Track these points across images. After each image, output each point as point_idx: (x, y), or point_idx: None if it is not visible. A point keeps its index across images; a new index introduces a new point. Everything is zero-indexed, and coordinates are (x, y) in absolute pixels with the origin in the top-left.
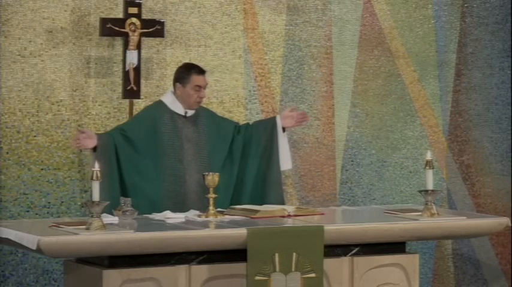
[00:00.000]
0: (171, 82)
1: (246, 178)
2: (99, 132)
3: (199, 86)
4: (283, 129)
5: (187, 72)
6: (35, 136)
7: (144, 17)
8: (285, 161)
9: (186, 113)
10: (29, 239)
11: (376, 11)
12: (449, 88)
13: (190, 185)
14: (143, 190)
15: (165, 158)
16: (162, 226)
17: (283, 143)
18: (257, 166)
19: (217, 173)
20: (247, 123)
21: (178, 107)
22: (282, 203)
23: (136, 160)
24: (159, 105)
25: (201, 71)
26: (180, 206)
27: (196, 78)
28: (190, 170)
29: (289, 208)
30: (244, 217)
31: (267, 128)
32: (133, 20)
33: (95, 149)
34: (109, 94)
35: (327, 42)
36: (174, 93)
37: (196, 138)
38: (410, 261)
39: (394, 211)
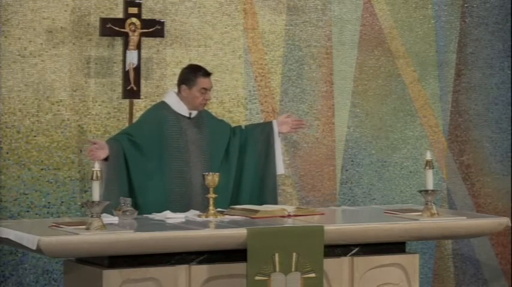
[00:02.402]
0: (172, 82)
1: (244, 180)
2: (99, 132)
3: (205, 89)
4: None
5: (193, 74)
6: (35, 136)
7: (144, 17)
8: (279, 166)
9: (190, 114)
10: (29, 239)
11: (376, 11)
12: (449, 88)
13: (196, 187)
14: (150, 192)
15: (171, 160)
16: (162, 226)
17: (278, 148)
18: (254, 168)
19: (217, 173)
20: (241, 126)
21: (182, 109)
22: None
23: (144, 163)
24: (163, 106)
25: (207, 74)
26: (186, 208)
27: (202, 81)
28: (196, 171)
29: (289, 208)
30: (244, 217)
31: (264, 132)
32: (133, 20)
33: (106, 158)
34: (109, 94)
35: (327, 42)
36: (179, 94)
37: (199, 140)
38: (410, 261)
39: (394, 211)
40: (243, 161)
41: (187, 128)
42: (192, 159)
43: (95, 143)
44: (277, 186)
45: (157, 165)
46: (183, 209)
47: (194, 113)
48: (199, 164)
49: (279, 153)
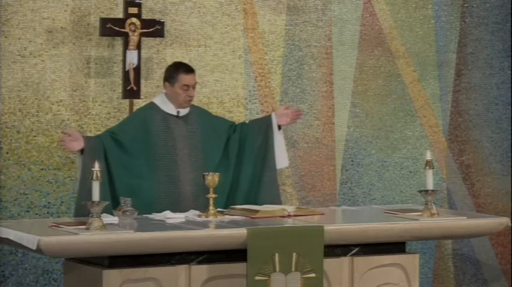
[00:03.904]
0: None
1: (242, 178)
2: (99, 132)
3: (187, 85)
4: (279, 127)
5: (175, 71)
6: (35, 136)
7: (144, 17)
8: (281, 159)
9: (178, 112)
10: (29, 239)
11: (376, 11)
12: (449, 88)
13: (185, 185)
14: (137, 191)
15: (158, 158)
16: (162, 226)
17: (278, 141)
18: (253, 165)
19: (217, 173)
20: (243, 122)
21: (169, 107)
22: (279, 202)
23: (128, 162)
24: (151, 106)
25: (188, 70)
26: (175, 206)
27: (183, 78)
28: (185, 169)
29: (289, 208)
30: (244, 217)
31: (262, 126)
32: (133, 20)
33: (82, 151)
34: (109, 94)
35: (327, 42)
36: (165, 93)
37: (189, 138)
38: (411, 261)
39: (394, 211)
40: (242, 158)
41: (175, 126)
42: (181, 157)
43: (69, 135)
44: (277, 180)
45: (144, 164)
46: (172, 207)
47: (184, 111)
48: (189, 162)
49: (279, 146)
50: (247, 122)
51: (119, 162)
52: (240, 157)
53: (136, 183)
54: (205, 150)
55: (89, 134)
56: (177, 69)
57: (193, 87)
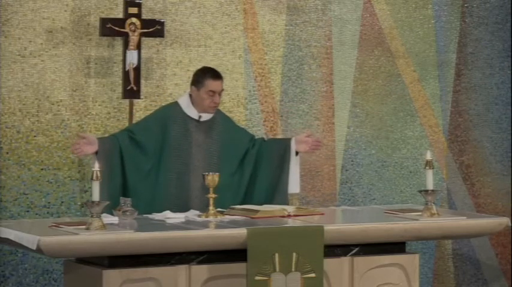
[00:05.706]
0: (172, 82)
1: (255, 194)
2: (99, 132)
3: (213, 91)
4: (296, 153)
5: (202, 76)
6: (35, 136)
7: (144, 17)
8: (294, 185)
9: (200, 117)
10: (29, 239)
11: (376, 11)
12: (449, 88)
13: (194, 190)
14: (146, 192)
15: (170, 161)
16: (162, 226)
17: (294, 167)
18: (266, 184)
19: (217, 173)
20: (263, 139)
21: (192, 111)
22: None
23: (142, 162)
24: (174, 106)
25: (216, 76)
26: (184, 210)
27: (210, 83)
28: (196, 175)
29: (289, 208)
30: (244, 217)
31: (280, 148)
32: (134, 20)
33: (96, 152)
34: (109, 94)
35: (327, 42)
36: (190, 96)
37: (207, 144)
38: (411, 261)
39: (394, 211)
40: (256, 173)
41: (194, 130)
42: (194, 162)
43: (83, 138)
44: (288, 203)
45: (155, 164)
46: (181, 210)
47: (206, 116)
48: (202, 168)
49: (294, 171)
50: (265, 139)
51: (133, 162)
52: (254, 172)
53: (146, 184)
54: (222, 158)
55: (89, 134)
56: (205, 74)
57: (220, 94)
